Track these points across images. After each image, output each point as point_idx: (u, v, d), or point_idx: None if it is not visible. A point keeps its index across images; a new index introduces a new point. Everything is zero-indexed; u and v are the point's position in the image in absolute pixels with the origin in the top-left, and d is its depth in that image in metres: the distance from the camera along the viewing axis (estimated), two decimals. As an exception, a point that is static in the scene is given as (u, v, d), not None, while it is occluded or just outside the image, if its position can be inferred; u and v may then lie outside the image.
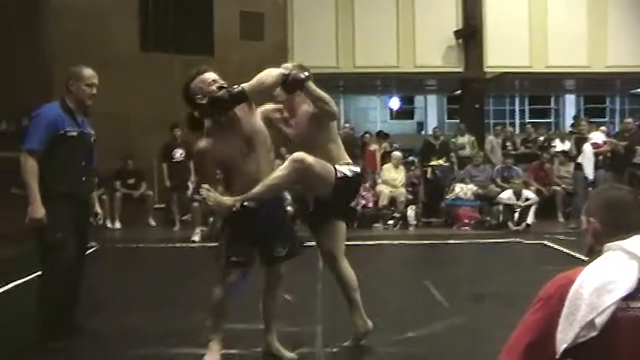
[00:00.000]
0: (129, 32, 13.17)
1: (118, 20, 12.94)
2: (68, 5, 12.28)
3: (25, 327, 4.61)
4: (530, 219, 10.57)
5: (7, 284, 6.42)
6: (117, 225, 11.10)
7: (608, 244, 1.96)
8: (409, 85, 19.06)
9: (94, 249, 8.64)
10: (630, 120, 11.48)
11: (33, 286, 4.80)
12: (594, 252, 2.01)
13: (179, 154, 11.49)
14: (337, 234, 4.27)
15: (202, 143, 3.86)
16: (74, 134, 4.55)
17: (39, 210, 4.29)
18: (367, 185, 11.80)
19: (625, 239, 1.94)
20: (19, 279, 6.51)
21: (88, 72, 4.68)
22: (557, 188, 11.78)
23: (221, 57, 13.68)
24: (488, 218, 11.12)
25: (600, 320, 1.81)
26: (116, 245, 9.29)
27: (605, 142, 11.18)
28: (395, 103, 23.29)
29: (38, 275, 4.54)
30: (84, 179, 4.68)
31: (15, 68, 11.46)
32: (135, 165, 11.69)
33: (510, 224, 10.56)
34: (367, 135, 14.04)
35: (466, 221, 11.09)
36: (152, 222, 11.38)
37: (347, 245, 4.41)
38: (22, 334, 4.64)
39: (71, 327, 4.57)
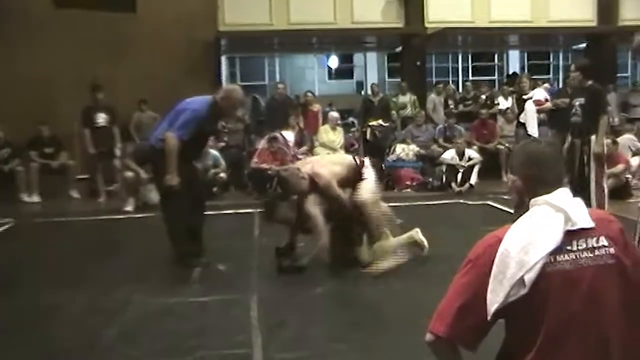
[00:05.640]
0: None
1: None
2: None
3: None
4: (473, 179, 10.72)
5: None
6: (35, 198, 10.74)
7: (534, 199, 1.99)
8: (347, 42, 18.93)
9: (9, 225, 8.44)
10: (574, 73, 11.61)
11: None
12: (521, 209, 2.04)
13: (101, 118, 11.15)
14: None
15: None
16: None
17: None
18: (306, 148, 11.77)
19: (549, 193, 1.97)
20: None
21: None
22: (501, 147, 11.98)
23: (144, 13, 13.35)
24: (430, 179, 11.24)
25: (529, 277, 1.84)
26: (34, 220, 9.05)
27: (547, 99, 11.39)
28: (333, 62, 23.20)
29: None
30: None
31: None
32: (53, 132, 11.32)
33: (453, 184, 10.70)
34: (309, 94, 13.62)
35: (408, 183, 11.20)
36: (75, 194, 11.09)
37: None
38: None
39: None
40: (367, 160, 6.18)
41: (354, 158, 6.23)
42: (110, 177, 10.92)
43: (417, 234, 6.07)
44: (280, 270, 5.66)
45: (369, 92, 15.25)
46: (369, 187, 5.82)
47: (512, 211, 2.18)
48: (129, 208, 9.49)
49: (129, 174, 9.66)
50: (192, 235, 6.05)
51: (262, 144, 11.28)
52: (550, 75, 24.25)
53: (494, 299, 1.87)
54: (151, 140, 6.14)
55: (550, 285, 1.86)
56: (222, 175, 10.59)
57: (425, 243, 6.00)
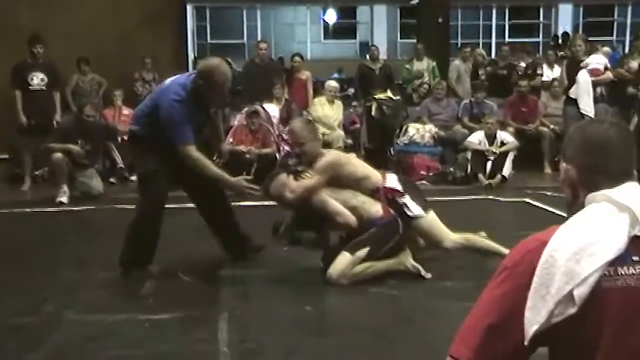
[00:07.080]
0: None
1: None
2: None
3: None
4: (507, 169, 10.71)
5: None
6: None
7: (591, 195, 1.97)
8: (349, -9, 18.98)
9: None
10: None
11: None
12: (574, 208, 2.01)
13: (38, 78, 11.05)
14: None
15: None
16: None
17: None
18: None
19: (613, 187, 1.95)
20: None
21: None
22: (544, 129, 11.98)
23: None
24: (452, 169, 11.28)
25: (580, 293, 1.81)
26: None
27: (607, 68, 11.37)
28: (331, 16, 23.15)
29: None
30: None
31: None
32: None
33: (481, 176, 10.70)
34: (296, 58, 13.52)
35: (423, 173, 11.18)
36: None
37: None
38: None
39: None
40: None
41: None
42: (41, 158, 10.86)
43: (407, 258, 5.82)
44: (293, 242, 6.45)
45: (367, 56, 15.17)
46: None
47: (559, 212, 2.16)
48: (63, 199, 9.46)
49: (58, 155, 9.59)
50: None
51: (238, 119, 11.27)
52: (614, 37, 24.25)
53: (534, 319, 1.84)
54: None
55: (608, 305, 1.83)
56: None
57: (421, 270, 5.73)
